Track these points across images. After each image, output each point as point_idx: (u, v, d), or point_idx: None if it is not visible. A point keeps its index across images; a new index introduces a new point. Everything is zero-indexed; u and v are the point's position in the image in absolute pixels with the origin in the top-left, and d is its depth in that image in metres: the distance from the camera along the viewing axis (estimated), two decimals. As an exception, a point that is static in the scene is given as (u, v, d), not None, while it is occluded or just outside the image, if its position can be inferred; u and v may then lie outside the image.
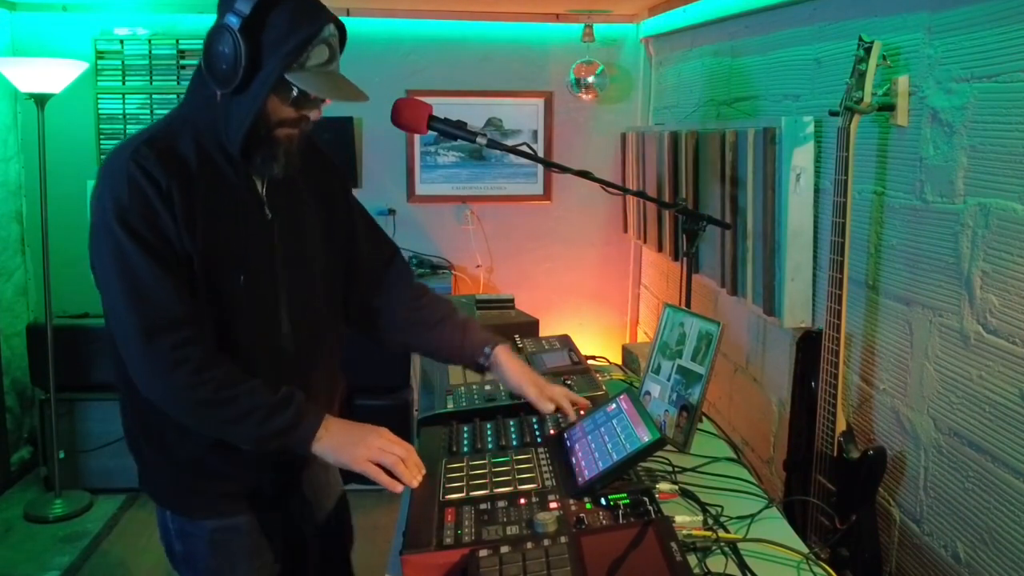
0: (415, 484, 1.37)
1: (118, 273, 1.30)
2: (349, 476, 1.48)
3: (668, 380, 1.83)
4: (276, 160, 1.39)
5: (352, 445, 1.38)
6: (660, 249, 3.41)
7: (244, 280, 1.41)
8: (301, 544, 1.65)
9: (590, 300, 4.42)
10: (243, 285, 1.41)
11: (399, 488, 1.36)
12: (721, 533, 1.36)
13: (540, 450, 1.50)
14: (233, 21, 1.28)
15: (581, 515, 1.24)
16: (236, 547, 1.51)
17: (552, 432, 1.57)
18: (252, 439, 1.36)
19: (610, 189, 2.13)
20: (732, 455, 1.76)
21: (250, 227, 1.43)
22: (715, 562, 1.29)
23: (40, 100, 3.37)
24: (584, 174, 2.02)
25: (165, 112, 1.33)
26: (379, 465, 1.37)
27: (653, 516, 1.23)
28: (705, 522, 1.38)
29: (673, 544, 1.12)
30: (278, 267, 1.46)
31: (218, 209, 1.37)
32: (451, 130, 1.84)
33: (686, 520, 1.35)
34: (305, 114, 1.39)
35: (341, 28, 1.39)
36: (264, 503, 1.54)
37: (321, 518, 1.69)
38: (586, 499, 1.31)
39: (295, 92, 1.34)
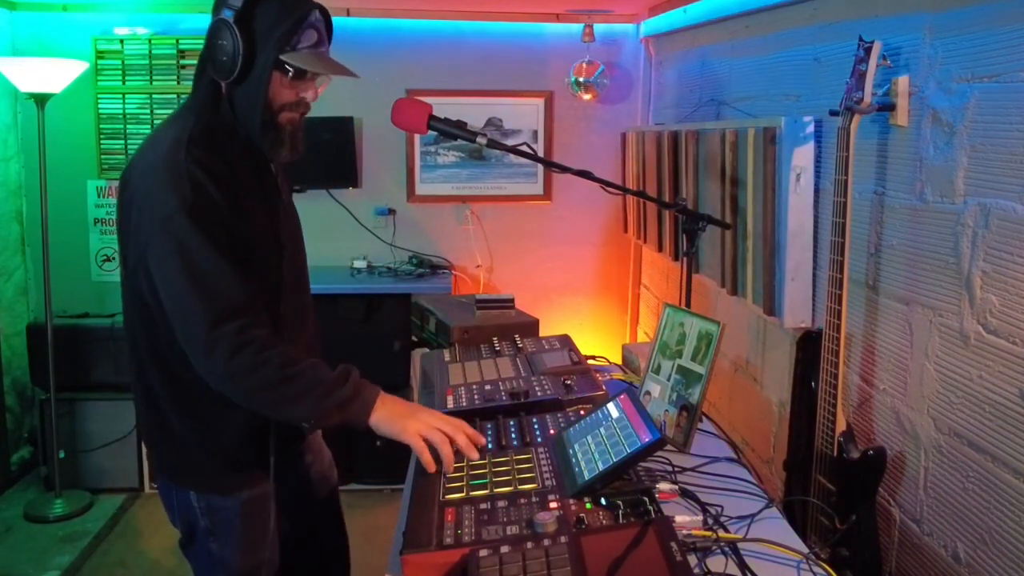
0: (451, 469, 1.43)
1: (182, 265, 1.38)
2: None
3: (668, 380, 1.83)
4: (283, 144, 1.52)
5: (404, 417, 1.47)
6: (660, 249, 3.41)
7: (285, 254, 1.58)
8: (311, 508, 1.83)
9: (590, 300, 4.42)
10: (285, 259, 1.58)
11: (433, 468, 1.42)
12: (721, 533, 1.36)
13: (540, 450, 1.50)
14: (228, 15, 1.41)
15: (581, 515, 1.24)
16: (265, 514, 1.62)
17: (552, 432, 1.57)
18: (313, 414, 1.44)
19: (610, 189, 2.12)
20: (732, 455, 1.76)
21: (277, 207, 1.59)
22: (715, 562, 1.29)
23: (40, 100, 3.37)
24: (584, 174, 2.02)
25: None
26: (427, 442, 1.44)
27: (653, 516, 1.23)
28: (705, 522, 1.38)
29: (673, 544, 1.12)
30: (295, 240, 1.67)
31: (256, 192, 1.52)
32: (451, 130, 1.85)
33: (686, 520, 1.35)
34: (303, 97, 1.50)
35: (326, 14, 1.51)
36: (282, 470, 1.65)
37: (322, 487, 1.86)
38: (586, 499, 1.31)
39: (291, 72, 1.45)
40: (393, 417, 1.47)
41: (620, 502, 1.28)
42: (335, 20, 1.56)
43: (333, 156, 3.94)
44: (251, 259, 1.48)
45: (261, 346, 1.40)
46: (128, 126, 3.94)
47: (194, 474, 1.58)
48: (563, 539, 1.15)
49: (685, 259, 2.26)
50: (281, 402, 1.43)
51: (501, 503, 1.31)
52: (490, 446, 1.54)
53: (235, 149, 1.49)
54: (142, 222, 1.42)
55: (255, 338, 1.40)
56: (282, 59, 1.43)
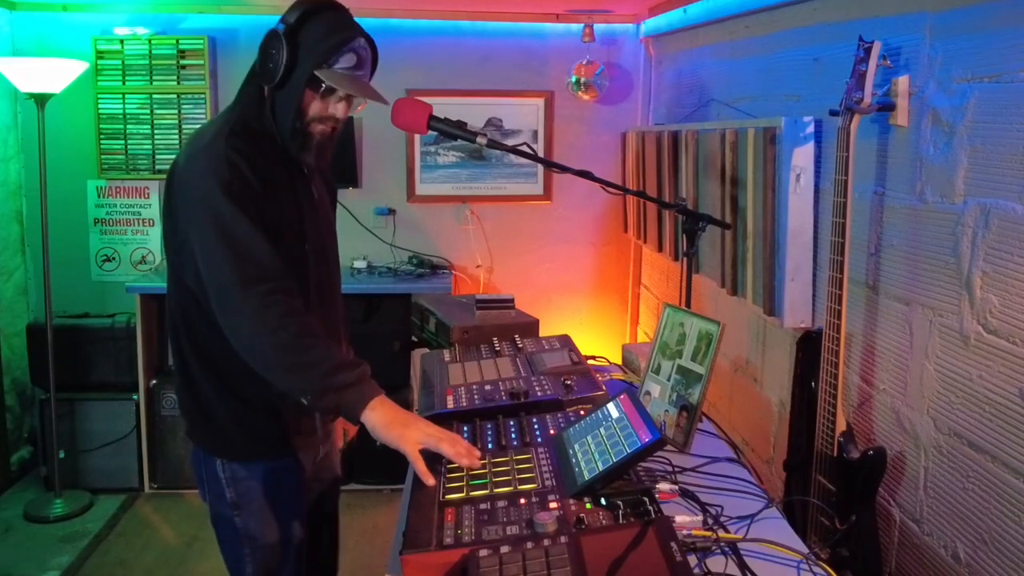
0: (465, 462, 1.42)
1: (219, 237, 1.50)
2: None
3: (668, 380, 1.83)
4: (309, 151, 1.65)
5: (403, 426, 1.49)
6: (660, 249, 3.41)
7: (308, 245, 1.69)
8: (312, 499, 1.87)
9: (590, 300, 4.42)
10: (307, 249, 1.69)
11: (431, 480, 1.41)
12: (721, 533, 1.36)
13: (540, 450, 1.50)
14: (281, 27, 1.56)
15: (581, 515, 1.24)
16: (284, 484, 1.71)
17: (552, 432, 1.57)
18: (314, 388, 1.49)
19: (610, 189, 2.13)
20: (732, 455, 1.76)
21: (303, 204, 1.70)
22: (715, 562, 1.29)
23: (40, 100, 3.37)
24: (584, 174, 2.02)
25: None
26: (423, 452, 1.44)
27: (653, 516, 1.23)
28: (705, 522, 1.38)
29: (673, 544, 1.12)
30: (322, 235, 1.77)
31: (286, 186, 1.64)
32: (451, 130, 1.85)
33: (686, 520, 1.35)
34: (332, 113, 1.62)
35: (372, 45, 1.64)
36: (301, 447, 1.73)
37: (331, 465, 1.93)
38: (586, 499, 1.31)
39: (323, 88, 1.58)
40: (390, 424, 1.48)
41: (620, 502, 1.28)
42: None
43: (333, 156, 3.93)
44: (278, 243, 1.57)
45: (285, 311, 1.49)
46: (128, 126, 3.93)
47: (221, 442, 1.68)
48: (563, 539, 1.15)
49: (685, 259, 2.26)
50: (288, 369, 1.50)
51: (501, 503, 1.31)
52: (490, 446, 1.54)
53: (271, 147, 1.61)
54: (185, 204, 1.55)
55: (281, 302, 1.49)
56: (316, 74, 1.55)
